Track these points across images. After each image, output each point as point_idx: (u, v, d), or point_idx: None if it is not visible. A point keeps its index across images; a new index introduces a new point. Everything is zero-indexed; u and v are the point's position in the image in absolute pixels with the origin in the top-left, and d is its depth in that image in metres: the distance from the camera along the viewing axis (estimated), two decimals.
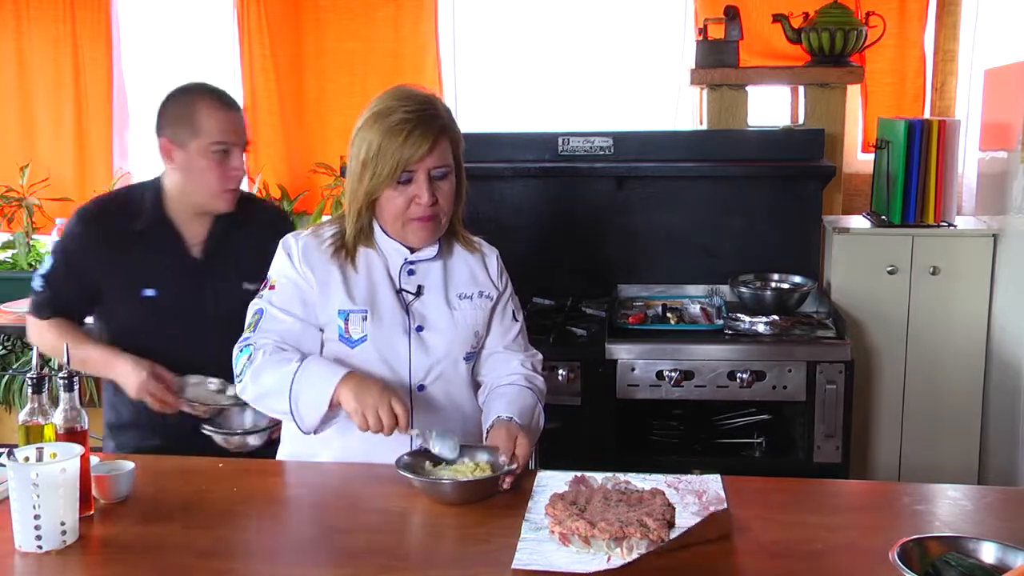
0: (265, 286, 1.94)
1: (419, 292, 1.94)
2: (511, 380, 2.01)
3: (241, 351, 1.89)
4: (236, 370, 1.89)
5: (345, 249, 1.92)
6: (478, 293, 2.00)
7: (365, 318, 1.89)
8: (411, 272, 1.95)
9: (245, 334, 1.92)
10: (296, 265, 1.91)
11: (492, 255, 2.07)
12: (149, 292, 2.26)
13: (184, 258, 2.28)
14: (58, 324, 2.30)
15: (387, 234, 1.93)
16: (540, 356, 2.12)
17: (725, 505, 1.65)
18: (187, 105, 2.21)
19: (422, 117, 1.82)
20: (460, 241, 2.03)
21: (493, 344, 2.05)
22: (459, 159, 1.92)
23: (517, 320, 2.09)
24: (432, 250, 1.96)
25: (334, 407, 1.77)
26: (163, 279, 2.27)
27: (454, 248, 2.02)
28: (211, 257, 2.29)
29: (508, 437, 1.81)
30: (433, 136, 1.82)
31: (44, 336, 2.31)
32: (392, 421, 1.72)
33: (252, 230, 2.29)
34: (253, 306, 1.94)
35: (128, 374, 2.19)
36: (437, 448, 1.79)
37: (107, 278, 2.27)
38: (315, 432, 1.83)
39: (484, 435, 1.89)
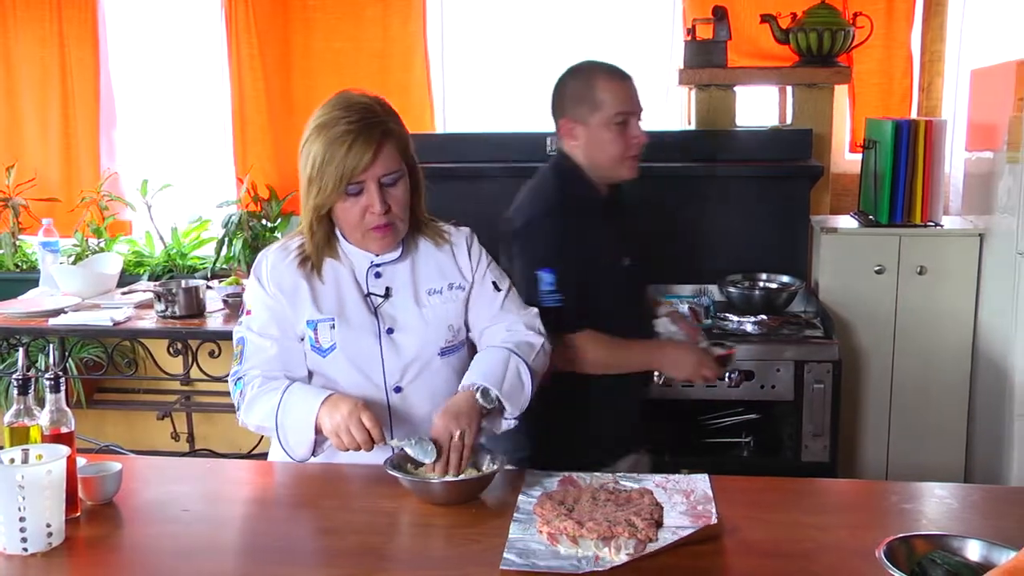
0: (242, 311, 1.96)
1: (387, 294, 1.94)
2: (489, 341, 1.99)
3: (235, 384, 1.91)
4: (234, 403, 1.92)
5: (310, 261, 1.92)
6: (448, 286, 1.98)
7: (332, 326, 1.89)
8: (378, 275, 1.94)
9: (234, 366, 1.94)
10: (266, 287, 1.92)
11: (460, 240, 2.04)
12: (627, 262, 2.31)
13: (625, 227, 2.36)
14: (593, 335, 2.22)
15: (349, 241, 1.93)
16: (535, 311, 2.07)
17: (713, 504, 1.65)
18: (584, 83, 2.27)
19: (364, 125, 1.80)
20: (426, 234, 2.00)
21: (482, 321, 2.02)
22: (411, 157, 1.90)
23: (500, 288, 2.04)
24: (396, 251, 1.95)
25: (320, 434, 1.79)
26: (631, 247, 2.33)
27: (420, 244, 2.00)
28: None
29: (442, 424, 1.78)
30: (375, 144, 1.80)
31: (592, 350, 2.21)
32: (364, 435, 1.72)
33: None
34: (236, 334, 1.95)
35: (680, 356, 2.28)
36: (413, 453, 1.78)
37: (592, 263, 2.23)
38: (312, 456, 1.84)
39: None
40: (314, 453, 1.83)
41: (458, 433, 1.75)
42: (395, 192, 1.86)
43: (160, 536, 1.61)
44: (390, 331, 1.92)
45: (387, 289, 1.94)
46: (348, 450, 1.74)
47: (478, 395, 1.83)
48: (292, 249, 1.94)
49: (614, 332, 2.23)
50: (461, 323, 2.01)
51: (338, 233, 1.94)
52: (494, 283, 2.04)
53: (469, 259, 2.03)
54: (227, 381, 1.96)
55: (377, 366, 1.91)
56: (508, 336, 1.98)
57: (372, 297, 1.93)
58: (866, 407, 3.31)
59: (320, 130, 1.82)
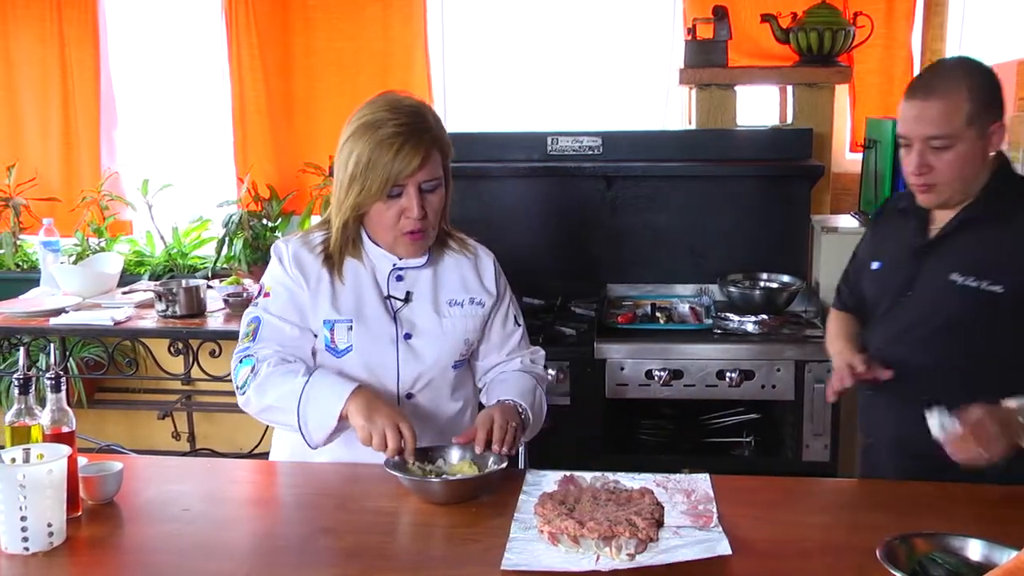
0: (260, 293, 1.93)
1: (408, 299, 1.93)
2: (509, 368, 2.03)
3: (241, 362, 1.88)
4: (238, 382, 1.87)
5: (331, 258, 1.91)
6: (469, 300, 1.97)
7: (350, 328, 1.88)
8: (399, 278, 1.93)
9: (243, 344, 1.90)
10: (288, 270, 1.90)
11: (488, 260, 2.04)
12: (875, 265, 2.17)
13: (917, 237, 2.05)
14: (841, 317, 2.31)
15: (375, 243, 1.92)
16: (542, 352, 2.12)
17: (714, 504, 1.65)
18: None
19: (413, 130, 1.79)
20: (451, 244, 2.00)
21: (494, 353, 2.04)
22: (447, 167, 1.90)
23: (519, 324, 2.07)
24: (422, 257, 1.94)
25: (341, 421, 1.77)
26: (891, 253, 2.13)
27: (444, 253, 1.99)
28: (937, 244, 2.01)
29: (486, 419, 1.82)
30: (424, 150, 1.79)
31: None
32: (398, 443, 1.71)
33: None
34: (248, 315, 1.93)
35: None
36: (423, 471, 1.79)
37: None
38: (323, 445, 1.82)
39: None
40: (325, 443, 1.82)
41: (507, 424, 1.79)
42: (432, 199, 1.85)
43: (161, 536, 1.61)
44: (408, 336, 1.91)
45: (408, 294, 1.93)
46: (371, 448, 1.73)
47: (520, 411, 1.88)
48: (315, 243, 1.93)
49: None
50: (475, 339, 2.00)
51: (363, 235, 1.92)
52: (515, 317, 2.07)
53: (496, 282, 2.03)
54: (228, 380, 1.95)
55: (392, 372, 1.90)
56: (528, 367, 2.04)
57: (392, 300, 1.92)
58: None
59: (367, 129, 1.79)
